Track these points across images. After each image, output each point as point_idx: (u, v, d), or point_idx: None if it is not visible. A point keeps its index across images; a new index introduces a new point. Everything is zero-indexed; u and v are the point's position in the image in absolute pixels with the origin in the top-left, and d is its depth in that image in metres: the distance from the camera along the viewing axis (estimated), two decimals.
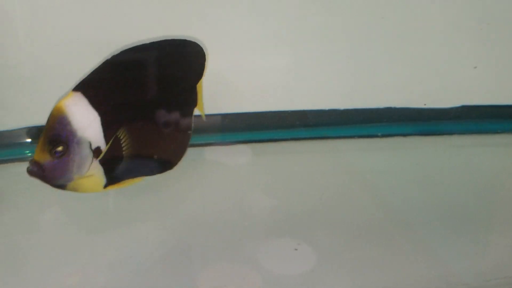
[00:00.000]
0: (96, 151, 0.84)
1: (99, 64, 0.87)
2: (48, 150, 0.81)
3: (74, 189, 0.86)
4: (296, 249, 0.88)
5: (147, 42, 0.92)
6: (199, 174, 1.00)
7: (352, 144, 1.29)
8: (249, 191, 1.08)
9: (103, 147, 0.85)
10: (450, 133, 1.32)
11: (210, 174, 1.05)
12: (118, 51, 0.89)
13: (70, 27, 1.12)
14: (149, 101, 0.90)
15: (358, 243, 0.91)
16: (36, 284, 0.81)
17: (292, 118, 1.31)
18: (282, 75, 1.28)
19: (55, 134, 0.81)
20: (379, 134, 1.32)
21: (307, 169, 1.17)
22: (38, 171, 0.82)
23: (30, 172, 0.82)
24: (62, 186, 0.84)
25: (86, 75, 0.86)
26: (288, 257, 0.88)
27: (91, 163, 0.84)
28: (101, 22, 1.13)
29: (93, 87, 0.85)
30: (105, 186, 0.87)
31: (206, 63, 0.97)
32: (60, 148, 0.81)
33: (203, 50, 0.96)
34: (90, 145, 0.83)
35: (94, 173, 0.85)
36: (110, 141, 0.84)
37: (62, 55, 1.13)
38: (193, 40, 0.96)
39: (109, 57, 0.87)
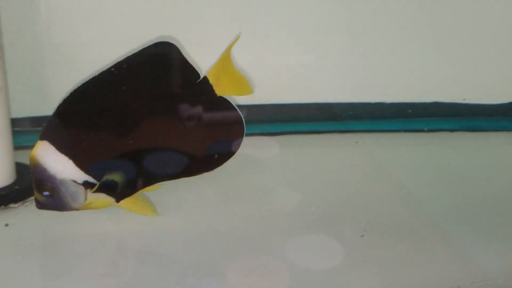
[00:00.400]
0: (86, 184, 0.85)
1: (61, 100, 0.86)
2: (38, 193, 0.85)
3: (87, 209, 0.87)
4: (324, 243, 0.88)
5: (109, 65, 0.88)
6: (226, 165, 1.01)
7: (396, 138, 1.29)
8: (278, 183, 1.08)
9: (91, 179, 0.85)
10: (498, 129, 1.31)
11: (237, 166, 1.06)
12: (80, 83, 0.87)
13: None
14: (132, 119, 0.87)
15: (389, 240, 0.89)
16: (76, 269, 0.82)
17: (337, 110, 1.32)
18: (325, 67, 1.29)
19: (38, 180, 0.84)
20: (425, 129, 1.31)
21: (347, 162, 1.17)
22: (41, 207, 0.86)
23: (37, 207, 0.86)
24: (73, 210, 0.87)
25: (50, 118, 0.86)
26: (315, 252, 0.87)
27: (85, 194, 0.85)
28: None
29: (57, 133, 0.84)
30: (118, 201, 0.88)
31: (182, 55, 0.91)
32: (46, 192, 0.84)
33: (172, 45, 0.91)
34: (75, 181, 0.84)
35: (94, 200, 0.86)
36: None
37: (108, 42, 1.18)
38: (161, 40, 0.91)
39: (68, 93, 0.86)
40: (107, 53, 1.01)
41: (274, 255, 0.85)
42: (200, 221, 0.94)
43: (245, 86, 0.99)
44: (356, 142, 1.27)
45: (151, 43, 0.91)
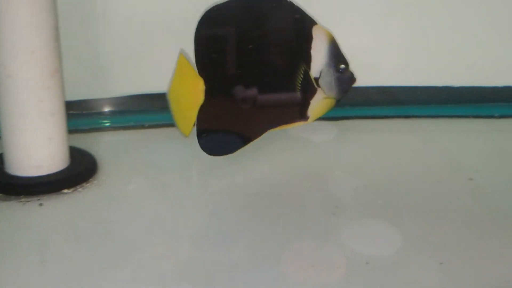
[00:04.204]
0: None
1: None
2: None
3: None
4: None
5: None
6: (284, 149, 1.03)
7: (466, 124, 1.24)
8: (337, 168, 1.04)
9: None
10: None
11: (295, 150, 1.07)
12: None
13: None
14: None
15: (445, 227, 0.86)
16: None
17: (404, 95, 1.28)
18: (391, 51, 1.26)
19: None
20: (496, 114, 1.25)
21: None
22: None
23: None
24: None
25: None
26: (373, 239, 0.84)
27: None
28: None
29: None
30: None
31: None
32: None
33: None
34: None
35: None
36: None
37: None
38: None
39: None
40: None
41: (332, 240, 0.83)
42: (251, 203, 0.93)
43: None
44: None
45: None
